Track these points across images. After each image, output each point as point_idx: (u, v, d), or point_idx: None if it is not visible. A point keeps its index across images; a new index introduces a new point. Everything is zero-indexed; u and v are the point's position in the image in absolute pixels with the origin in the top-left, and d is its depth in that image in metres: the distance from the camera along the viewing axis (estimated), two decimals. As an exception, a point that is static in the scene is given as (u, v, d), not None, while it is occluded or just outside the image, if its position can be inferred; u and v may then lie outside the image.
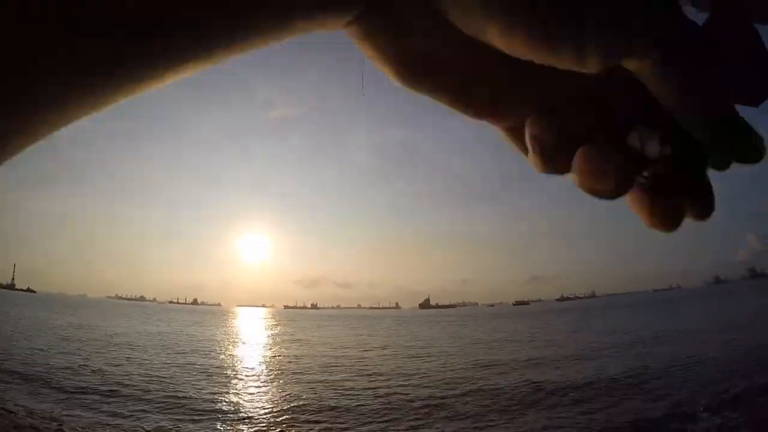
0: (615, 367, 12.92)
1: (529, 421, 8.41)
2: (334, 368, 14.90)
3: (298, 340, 28.47)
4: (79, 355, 15.52)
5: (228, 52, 0.22)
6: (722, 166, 0.23)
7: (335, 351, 20.63)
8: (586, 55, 0.21)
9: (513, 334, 28.93)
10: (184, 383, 11.83)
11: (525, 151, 0.27)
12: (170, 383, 11.78)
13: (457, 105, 0.27)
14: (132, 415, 8.75)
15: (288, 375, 13.70)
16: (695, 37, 0.25)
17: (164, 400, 9.87)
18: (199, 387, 11.48)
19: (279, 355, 19.61)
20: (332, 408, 9.48)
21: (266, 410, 9.48)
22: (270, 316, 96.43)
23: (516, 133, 0.27)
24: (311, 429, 8.27)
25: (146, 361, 15.19)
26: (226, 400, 10.32)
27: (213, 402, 10.02)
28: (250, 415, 9.15)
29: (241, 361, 17.14)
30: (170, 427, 8.24)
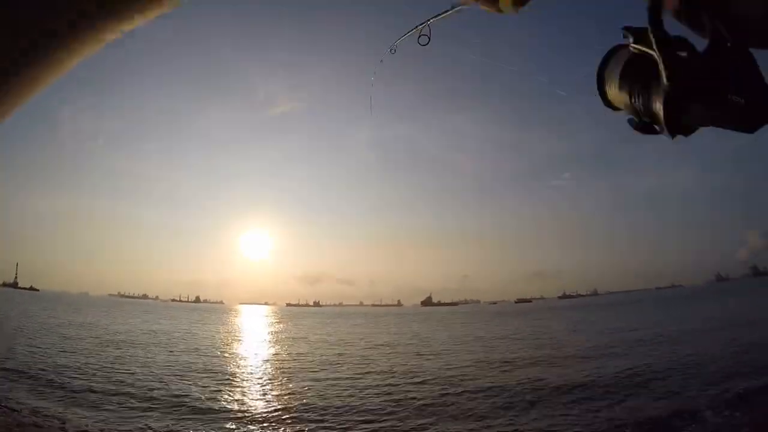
0: (617, 366, 12.91)
1: (533, 419, 8.40)
2: (337, 367, 14.91)
3: (302, 338, 28.49)
4: (82, 354, 15.57)
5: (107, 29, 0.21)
6: None
7: (338, 349, 20.64)
8: None
9: (516, 332, 28.92)
10: (187, 382, 11.85)
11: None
12: (173, 382, 11.80)
13: None
14: (135, 414, 8.79)
15: (291, 373, 13.72)
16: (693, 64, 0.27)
17: (167, 399, 9.88)
18: (202, 386, 11.49)
19: (282, 354, 19.63)
20: (336, 407, 9.48)
21: (270, 409, 9.49)
22: (272, 314, 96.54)
23: None
24: (315, 428, 8.28)
25: (149, 360, 15.22)
26: (230, 398, 10.34)
27: (217, 401, 10.03)
28: (254, 414, 9.16)
29: (245, 360, 17.16)
30: (174, 426, 8.26)
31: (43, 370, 12.12)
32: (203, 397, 10.16)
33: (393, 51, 2.16)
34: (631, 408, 8.90)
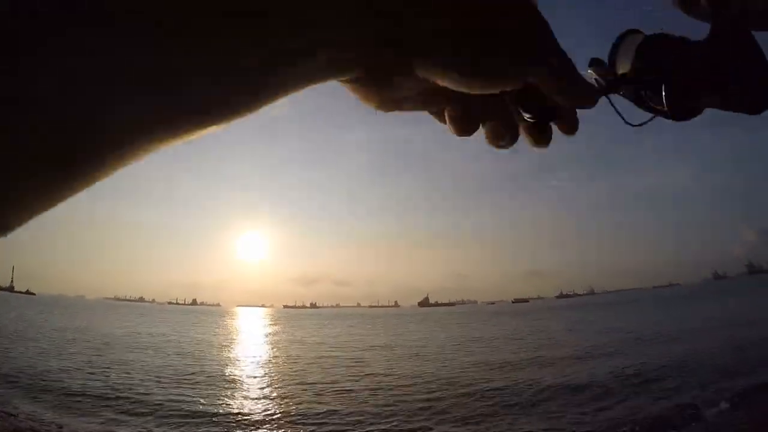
0: (615, 366, 12.91)
1: (533, 421, 8.39)
2: (334, 370, 14.86)
3: (298, 341, 28.41)
4: (77, 358, 15.47)
5: (229, 116, 0.23)
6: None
7: (335, 352, 20.56)
8: (500, 83, 0.33)
9: (513, 332, 28.92)
10: (184, 387, 11.80)
11: (444, 122, 0.41)
12: (170, 386, 11.75)
13: (405, 110, 0.39)
14: (131, 419, 8.74)
15: (288, 377, 13.66)
16: (666, 51, 0.30)
17: (164, 404, 9.83)
18: (199, 390, 11.44)
19: (277, 357, 19.57)
20: (333, 411, 9.44)
21: (266, 413, 9.45)
22: (269, 316, 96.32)
23: (440, 115, 0.41)
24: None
25: (146, 364, 15.13)
26: (227, 403, 10.29)
27: (213, 405, 9.97)
28: (251, 418, 9.12)
29: (241, 364, 17.10)
30: (170, 430, 8.22)
31: (39, 374, 12.04)
32: (201, 402, 10.10)
33: None
34: (629, 407, 8.89)
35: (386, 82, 0.29)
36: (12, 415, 8.34)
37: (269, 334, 36.25)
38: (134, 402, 9.84)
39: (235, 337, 31.20)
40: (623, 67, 0.38)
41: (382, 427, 8.31)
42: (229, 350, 21.98)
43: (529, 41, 0.30)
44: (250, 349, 22.83)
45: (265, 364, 17.14)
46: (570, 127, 0.39)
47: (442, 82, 0.31)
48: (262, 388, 11.97)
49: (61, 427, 7.92)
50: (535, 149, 0.39)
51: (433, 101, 0.38)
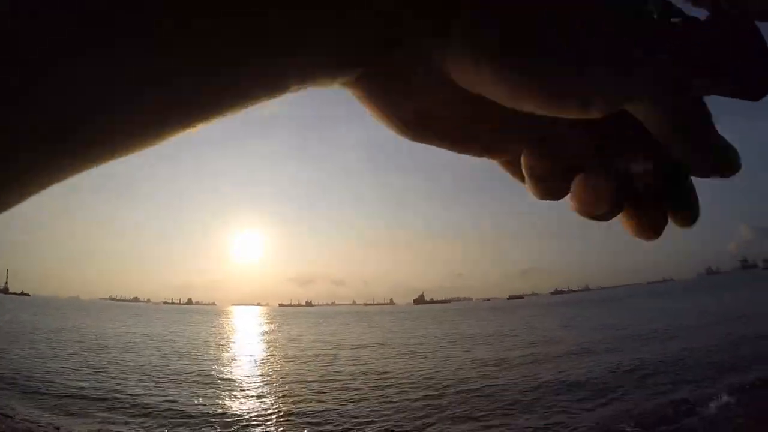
0: (611, 362, 12.97)
1: (531, 418, 8.41)
2: (329, 368, 14.87)
3: (293, 339, 28.38)
4: (72, 359, 15.41)
5: (220, 112, 0.21)
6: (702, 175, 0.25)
7: (331, 350, 20.56)
8: (591, 106, 0.23)
9: (509, 329, 28.99)
10: (179, 388, 11.78)
11: (522, 180, 0.29)
12: (165, 387, 11.73)
13: (457, 149, 0.29)
14: (127, 421, 8.73)
15: (283, 377, 13.63)
16: (690, 64, 0.25)
17: (160, 405, 9.82)
18: (194, 391, 11.42)
19: (274, 355, 19.56)
20: (329, 411, 9.44)
21: (261, 413, 9.45)
22: (265, 314, 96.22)
23: (514, 165, 0.30)
24: None
25: (140, 365, 15.10)
26: (222, 404, 10.27)
27: (208, 406, 9.94)
28: (246, 418, 9.11)
29: (236, 364, 17.09)
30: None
31: (33, 376, 12.00)
32: (196, 403, 10.07)
33: None
34: (626, 404, 8.95)
35: (399, 84, 0.26)
36: (8, 416, 8.32)
37: (264, 332, 36.22)
38: (130, 403, 9.82)
39: (229, 336, 31.17)
40: None
41: (381, 425, 8.32)
42: (223, 349, 21.97)
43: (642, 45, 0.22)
44: (245, 348, 22.82)
45: (260, 362, 17.14)
46: (685, 216, 0.29)
47: (508, 101, 0.24)
48: (258, 387, 11.97)
49: (57, 429, 7.90)
50: (640, 236, 0.29)
51: (495, 137, 0.29)
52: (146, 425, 8.43)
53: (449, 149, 0.30)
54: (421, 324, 40.85)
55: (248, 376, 13.67)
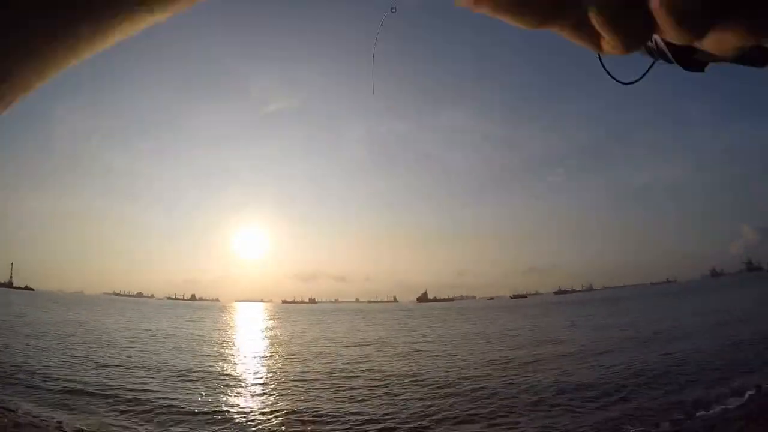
0: (614, 363, 12.94)
1: (535, 419, 8.38)
2: (332, 366, 14.87)
3: (296, 336, 28.40)
4: (74, 354, 15.47)
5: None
6: None
7: (334, 348, 20.55)
8: None
9: (513, 328, 28.95)
10: (182, 384, 11.80)
11: (593, 43, 0.29)
12: (168, 382, 11.76)
13: (514, 18, 0.28)
14: (129, 416, 8.74)
15: (284, 374, 13.60)
16: None
17: (162, 400, 9.84)
18: (196, 388, 11.43)
19: (275, 353, 19.56)
20: (331, 409, 9.42)
21: (264, 411, 9.44)
22: (267, 310, 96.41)
23: (579, 30, 0.28)
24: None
25: (144, 360, 15.14)
26: (224, 401, 10.26)
27: (210, 403, 9.94)
28: (247, 416, 9.11)
29: (239, 360, 17.11)
30: (170, 427, 8.23)
31: (37, 370, 12.05)
32: (199, 402, 10.07)
33: (394, 10, 2.07)
34: (628, 405, 8.91)
35: None
36: (11, 410, 8.35)
37: (267, 328, 36.28)
38: (132, 398, 9.84)
39: (233, 332, 31.23)
40: None
41: (384, 425, 8.30)
42: (226, 346, 21.99)
43: None
44: (248, 345, 22.83)
45: (263, 359, 17.15)
46: None
47: None
48: (260, 384, 11.97)
49: (60, 422, 7.92)
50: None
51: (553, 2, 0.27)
52: (148, 420, 8.45)
53: (506, 18, 0.28)
54: (424, 322, 40.84)
55: (251, 373, 13.68)
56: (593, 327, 26.17)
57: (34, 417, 8.11)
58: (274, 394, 10.81)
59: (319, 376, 12.80)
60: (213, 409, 9.32)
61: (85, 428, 7.78)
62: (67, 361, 13.76)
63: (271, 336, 28.92)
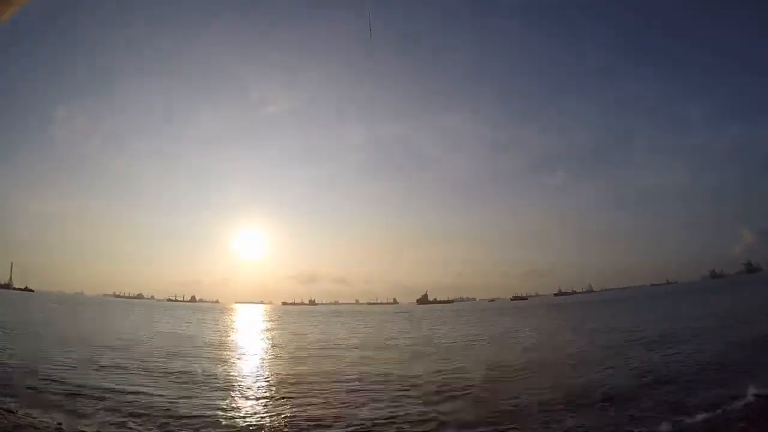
0: (615, 364, 12.96)
1: (536, 423, 8.37)
2: (333, 368, 14.84)
3: (297, 338, 28.38)
4: (76, 356, 15.45)
5: None
6: None
7: (334, 351, 20.51)
8: None
9: (513, 330, 28.94)
10: (180, 386, 11.78)
11: None
12: (166, 386, 11.75)
13: None
14: (128, 417, 8.74)
15: (285, 377, 13.52)
16: None
17: (161, 403, 9.83)
18: (197, 391, 11.41)
19: (278, 356, 19.55)
20: (332, 411, 9.40)
21: (265, 415, 9.43)
22: (267, 312, 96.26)
23: None
24: None
25: (144, 363, 15.11)
26: (224, 404, 10.23)
27: (210, 407, 9.90)
28: (247, 420, 9.10)
29: (239, 363, 17.10)
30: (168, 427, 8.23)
31: (37, 372, 12.05)
32: (198, 405, 10.03)
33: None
34: (629, 405, 8.91)
35: None
36: (11, 412, 8.33)
37: (267, 329, 36.22)
38: (132, 400, 9.83)
39: (233, 334, 31.19)
40: None
41: (383, 428, 8.28)
42: (226, 348, 21.97)
43: None
44: (248, 347, 22.79)
45: (263, 361, 17.12)
46: None
47: None
48: (258, 388, 11.95)
49: (60, 424, 7.91)
50: None
51: None
52: (148, 423, 8.44)
53: None
54: (425, 324, 40.77)
55: (251, 375, 13.66)
56: (594, 329, 26.14)
57: (34, 418, 8.09)
58: (274, 396, 10.79)
59: (319, 378, 12.76)
60: (213, 412, 9.30)
61: (85, 430, 7.79)
62: (67, 363, 13.75)
63: (271, 338, 28.85)
